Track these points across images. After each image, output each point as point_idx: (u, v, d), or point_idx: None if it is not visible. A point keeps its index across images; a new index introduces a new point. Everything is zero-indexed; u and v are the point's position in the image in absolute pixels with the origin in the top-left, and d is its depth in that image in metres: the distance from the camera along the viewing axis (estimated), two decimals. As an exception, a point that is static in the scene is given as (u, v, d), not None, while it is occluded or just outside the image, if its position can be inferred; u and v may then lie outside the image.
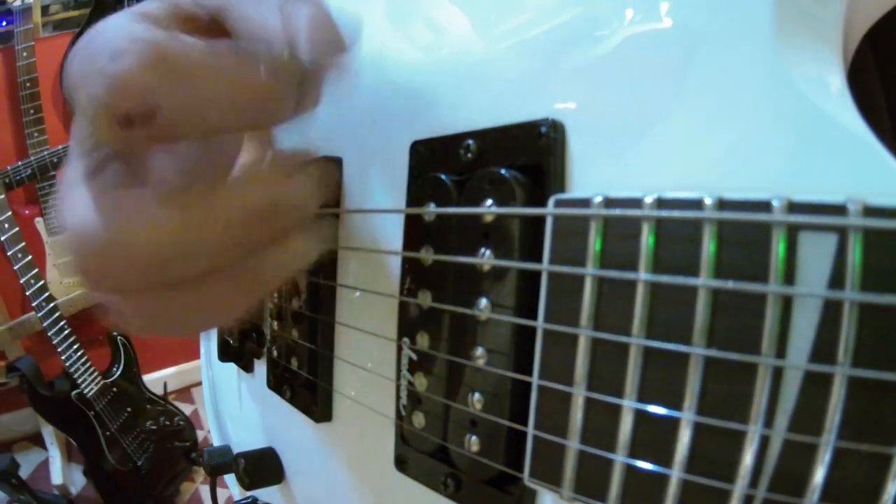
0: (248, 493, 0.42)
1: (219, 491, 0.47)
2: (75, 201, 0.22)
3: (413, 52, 0.31)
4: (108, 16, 0.23)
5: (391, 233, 0.29)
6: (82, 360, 1.58)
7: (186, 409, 1.91)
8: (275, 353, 0.39)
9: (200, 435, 1.84)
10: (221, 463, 0.43)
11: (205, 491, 1.79)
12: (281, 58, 0.22)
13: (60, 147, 1.64)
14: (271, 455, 0.41)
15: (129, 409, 1.66)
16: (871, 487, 0.14)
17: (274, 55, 0.21)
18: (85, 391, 1.59)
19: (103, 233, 0.21)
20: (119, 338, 1.71)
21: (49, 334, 1.56)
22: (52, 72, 1.87)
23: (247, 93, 0.21)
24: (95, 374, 1.61)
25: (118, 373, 1.68)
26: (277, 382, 0.39)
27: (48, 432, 1.85)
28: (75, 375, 1.58)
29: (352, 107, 0.34)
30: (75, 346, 1.58)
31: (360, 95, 0.33)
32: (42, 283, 1.55)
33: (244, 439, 0.47)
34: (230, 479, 0.44)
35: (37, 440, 1.93)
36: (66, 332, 1.58)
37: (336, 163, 0.34)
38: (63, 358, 1.57)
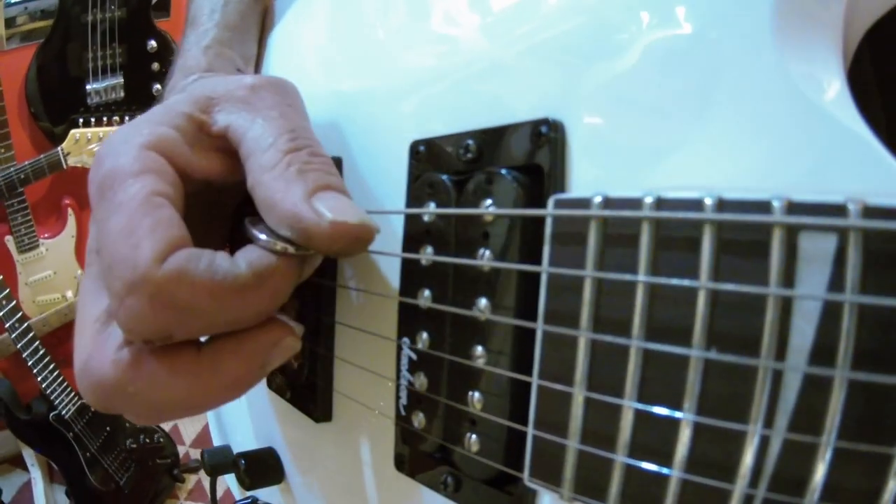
0: (248, 493, 0.42)
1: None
2: (97, 351, 0.24)
3: (415, 53, 0.31)
4: (115, 132, 0.26)
5: (391, 233, 0.29)
6: (59, 380, 1.55)
7: (166, 424, 1.85)
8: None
9: (181, 451, 1.82)
10: (221, 463, 0.43)
11: (187, 509, 1.79)
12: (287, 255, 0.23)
13: (27, 163, 1.57)
14: (271, 455, 0.41)
15: (108, 429, 1.63)
16: (871, 488, 0.14)
17: (277, 264, 0.23)
18: (63, 412, 1.56)
19: (117, 387, 0.23)
20: (94, 356, 1.68)
21: (24, 356, 1.52)
22: (18, 85, 1.77)
23: (253, 312, 0.24)
24: (73, 394, 1.57)
25: (96, 391, 1.64)
26: (278, 382, 0.39)
27: (29, 454, 1.79)
28: (52, 396, 1.54)
29: (352, 106, 0.34)
30: (51, 367, 1.54)
31: (360, 95, 0.33)
32: (14, 303, 1.51)
33: (244, 439, 0.47)
34: (230, 478, 0.44)
35: (18, 462, 1.86)
36: (41, 352, 1.53)
37: (336, 163, 0.34)
38: (39, 379, 1.53)
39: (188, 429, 1.94)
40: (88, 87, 1.74)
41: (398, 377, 0.28)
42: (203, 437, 1.91)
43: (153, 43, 1.74)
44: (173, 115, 0.26)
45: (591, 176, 0.22)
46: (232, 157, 0.26)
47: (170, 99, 0.28)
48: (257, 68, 0.43)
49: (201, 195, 0.28)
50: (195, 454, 1.87)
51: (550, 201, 0.21)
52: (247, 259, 0.23)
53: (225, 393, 0.25)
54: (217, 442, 0.52)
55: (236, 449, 0.43)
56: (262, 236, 0.23)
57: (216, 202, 0.32)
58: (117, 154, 0.24)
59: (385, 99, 0.31)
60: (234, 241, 0.35)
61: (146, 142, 0.25)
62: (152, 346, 0.23)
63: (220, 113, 0.27)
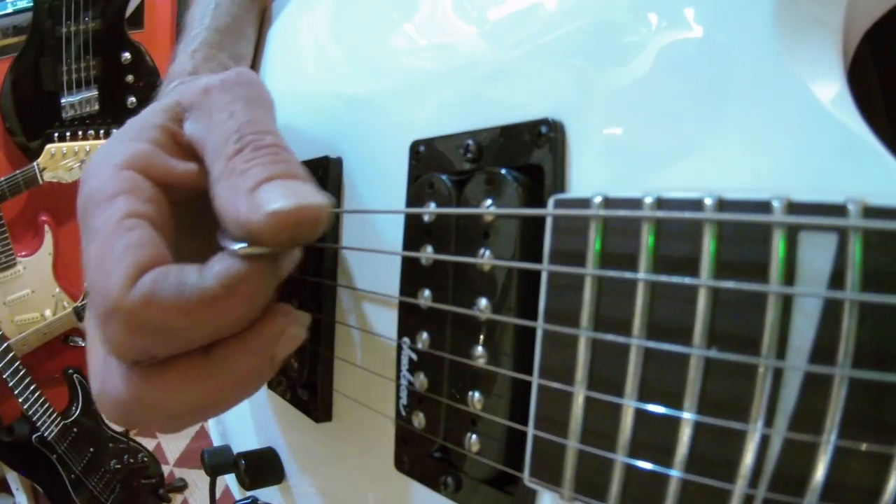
0: (248, 493, 0.42)
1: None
2: (109, 374, 0.24)
3: (416, 54, 0.31)
4: (97, 152, 0.26)
5: (391, 233, 0.29)
6: (40, 401, 1.53)
7: (149, 443, 1.82)
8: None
9: (166, 470, 1.80)
10: (221, 463, 0.43)
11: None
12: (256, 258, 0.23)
13: (3, 179, 1.55)
14: (271, 455, 0.41)
15: (91, 449, 1.61)
16: (871, 487, 0.14)
17: (244, 270, 0.22)
18: (45, 434, 1.53)
19: (134, 402, 0.24)
20: (75, 375, 1.64)
21: (4, 376, 1.50)
22: (-9, 100, 1.74)
23: (231, 320, 0.23)
24: (55, 415, 1.55)
25: (77, 412, 1.61)
26: (277, 382, 0.39)
27: (13, 478, 1.75)
28: (34, 418, 1.52)
29: (353, 106, 0.34)
30: (32, 387, 1.52)
31: (361, 94, 0.33)
32: (-8, 322, 1.49)
33: (244, 439, 0.47)
34: (230, 478, 0.44)
35: (2, 486, 1.81)
36: (22, 372, 1.51)
37: (336, 163, 0.34)
38: (21, 400, 1.51)
39: (171, 448, 1.91)
40: (63, 100, 1.70)
41: (398, 377, 0.28)
42: (187, 455, 1.88)
43: (127, 55, 1.70)
44: (147, 127, 0.27)
45: (591, 176, 0.22)
46: None
47: (145, 109, 0.28)
48: (255, 66, 0.43)
49: (194, 198, 0.28)
50: (180, 473, 1.84)
51: (550, 201, 0.21)
52: (213, 270, 0.22)
53: (238, 391, 0.25)
54: (217, 442, 0.52)
55: (236, 449, 0.43)
56: (232, 246, 0.23)
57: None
58: (94, 177, 0.25)
59: (386, 99, 0.31)
60: None
61: (120, 161, 0.25)
62: (155, 360, 0.23)
63: (188, 122, 0.27)
